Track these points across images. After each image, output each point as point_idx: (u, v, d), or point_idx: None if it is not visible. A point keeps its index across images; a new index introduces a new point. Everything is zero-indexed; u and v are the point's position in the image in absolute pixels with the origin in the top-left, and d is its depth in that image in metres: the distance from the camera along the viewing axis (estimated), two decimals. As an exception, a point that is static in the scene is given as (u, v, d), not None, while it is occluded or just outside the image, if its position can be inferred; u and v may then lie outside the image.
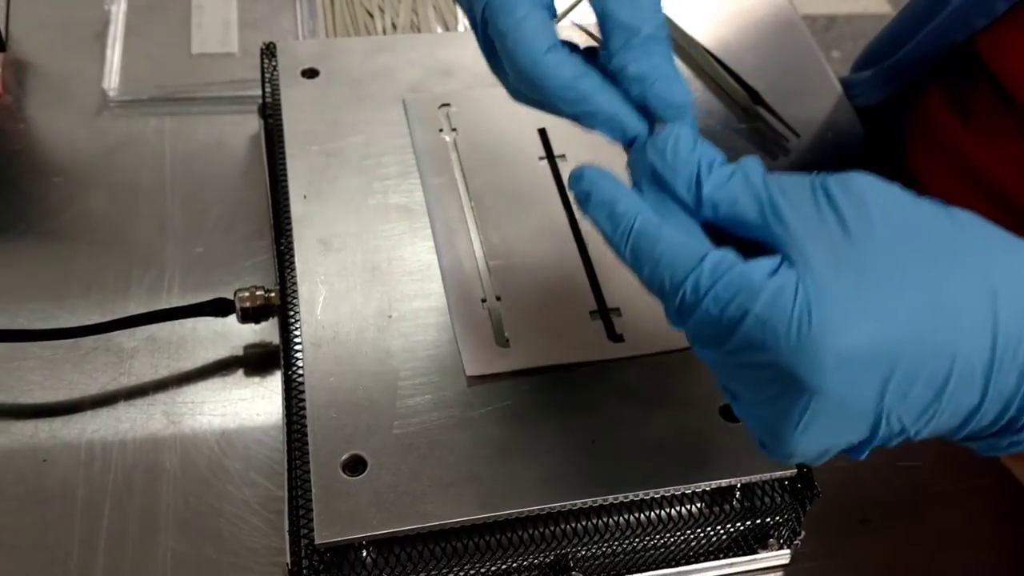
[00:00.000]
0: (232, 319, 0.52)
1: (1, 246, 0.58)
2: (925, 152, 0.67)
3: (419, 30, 0.70)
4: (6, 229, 0.58)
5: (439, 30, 0.71)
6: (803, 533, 0.47)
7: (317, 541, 0.40)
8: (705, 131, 0.68)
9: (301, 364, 0.46)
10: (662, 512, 0.44)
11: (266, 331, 0.55)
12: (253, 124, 0.64)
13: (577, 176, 0.36)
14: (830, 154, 0.70)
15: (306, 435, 0.44)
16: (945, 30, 0.60)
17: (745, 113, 0.71)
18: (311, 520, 0.41)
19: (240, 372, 0.54)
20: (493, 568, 0.44)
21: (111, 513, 0.48)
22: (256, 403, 0.52)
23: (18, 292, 0.55)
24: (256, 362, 0.54)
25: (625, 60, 0.36)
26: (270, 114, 0.58)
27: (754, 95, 0.71)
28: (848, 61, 0.80)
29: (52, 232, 0.59)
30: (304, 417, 0.44)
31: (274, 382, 0.54)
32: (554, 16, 0.38)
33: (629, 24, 0.36)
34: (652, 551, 0.46)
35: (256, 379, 0.54)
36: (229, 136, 0.64)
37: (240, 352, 0.55)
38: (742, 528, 0.46)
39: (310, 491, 0.42)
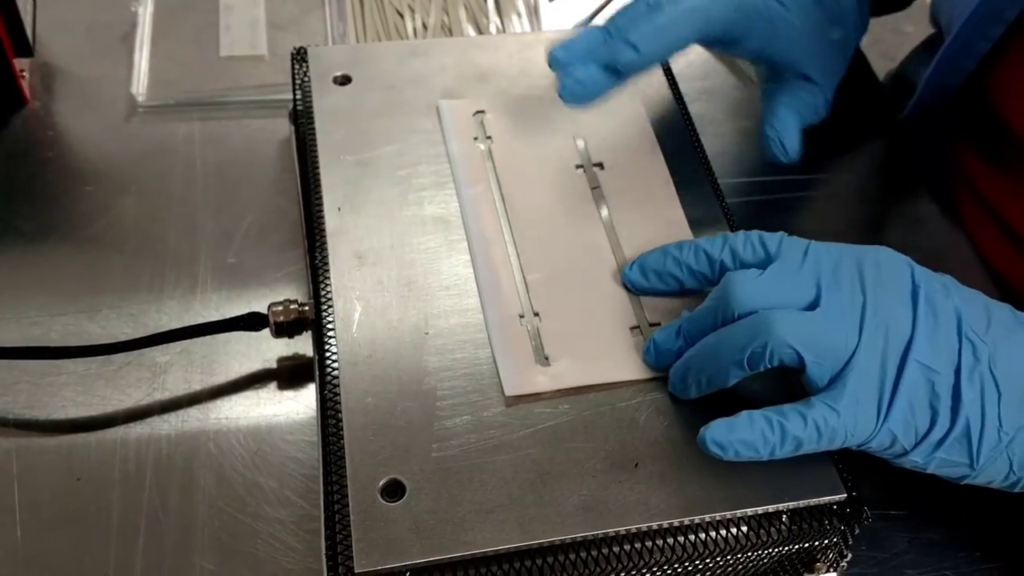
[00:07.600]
0: (265, 332, 0.51)
1: (34, 257, 0.57)
2: (954, 182, 0.66)
3: (450, 31, 0.69)
4: (39, 240, 0.58)
5: (470, 31, 0.69)
6: (849, 556, 0.46)
7: (357, 569, 0.40)
8: (747, 132, 0.67)
9: (338, 384, 0.45)
10: (706, 536, 0.43)
11: (299, 343, 0.54)
12: (283, 129, 0.63)
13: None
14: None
15: (343, 458, 0.43)
16: (939, 77, 0.62)
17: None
18: (350, 547, 0.40)
19: (273, 385, 0.53)
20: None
21: (146, 533, 0.47)
22: (290, 418, 0.52)
23: (51, 305, 0.55)
24: (289, 375, 0.54)
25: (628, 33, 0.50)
26: (301, 121, 0.57)
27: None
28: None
29: (84, 242, 0.58)
30: (341, 439, 0.44)
31: (307, 396, 0.53)
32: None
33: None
34: (694, 574, 0.45)
35: (289, 393, 0.53)
36: (260, 142, 0.63)
37: (273, 365, 0.54)
38: (788, 552, 0.45)
39: (348, 516, 0.41)
